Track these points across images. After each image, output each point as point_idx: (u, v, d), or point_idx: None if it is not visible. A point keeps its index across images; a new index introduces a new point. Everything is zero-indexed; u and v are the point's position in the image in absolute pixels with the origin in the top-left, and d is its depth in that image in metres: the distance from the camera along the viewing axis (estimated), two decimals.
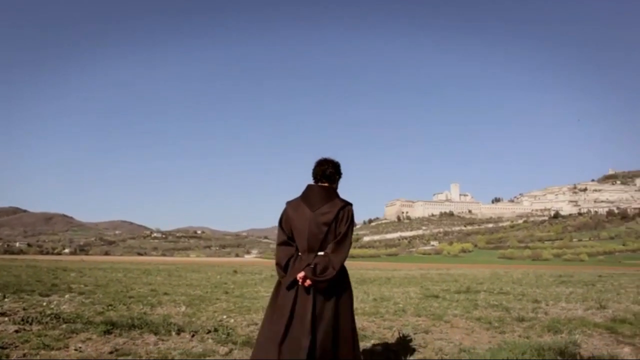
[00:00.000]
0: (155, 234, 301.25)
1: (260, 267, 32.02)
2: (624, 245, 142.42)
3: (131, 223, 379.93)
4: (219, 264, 42.39)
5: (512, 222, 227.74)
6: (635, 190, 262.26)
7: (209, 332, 4.92)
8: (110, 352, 3.95)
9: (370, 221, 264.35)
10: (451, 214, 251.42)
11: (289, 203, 2.97)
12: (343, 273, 2.84)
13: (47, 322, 5.04)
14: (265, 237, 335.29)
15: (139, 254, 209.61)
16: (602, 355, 3.99)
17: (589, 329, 5.50)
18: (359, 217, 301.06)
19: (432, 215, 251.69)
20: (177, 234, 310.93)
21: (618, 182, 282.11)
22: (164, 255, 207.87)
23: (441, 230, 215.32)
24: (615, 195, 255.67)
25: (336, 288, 2.75)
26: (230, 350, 4.14)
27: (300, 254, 2.83)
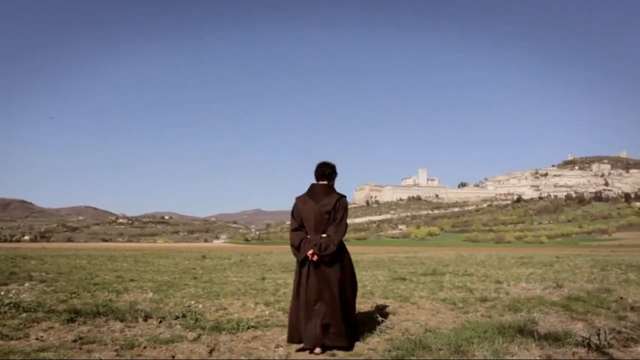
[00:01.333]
0: (120, 220, 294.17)
1: (229, 252, 31.85)
2: (580, 227, 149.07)
3: (95, 209, 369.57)
4: (187, 250, 41.91)
5: (477, 206, 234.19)
6: (592, 176, 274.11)
7: (177, 317, 4.88)
8: (74, 341, 3.86)
9: None
10: (419, 199, 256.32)
11: (297, 198, 4.01)
12: (342, 248, 3.92)
13: (5, 312, 4.87)
14: (235, 222, 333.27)
15: (104, 240, 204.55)
16: (557, 331, 4.19)
17: (547, 307, 5.76)
18: None
19: (401, 199, 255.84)
20: (144, 220, 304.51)
21: (576, 167, 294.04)
22: (130, 241, 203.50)
23: (409, 214, 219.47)
24: (573, 180, 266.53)
25: (337, 260, 3.85)
26: (199, 336, 4.12)
27: (308, 236, 3.86)
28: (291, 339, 3.82)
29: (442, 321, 4.98)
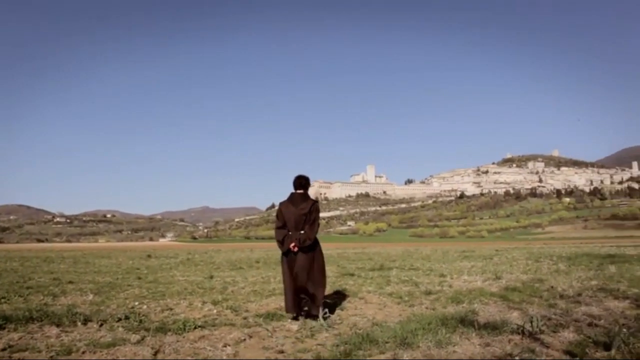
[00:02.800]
0: (58, 219, 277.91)
1: (176, 251, 30.97)
2: (517, 222, 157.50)
3: (29, 207, 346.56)
4: (131, 249, 40.32)
5: (423, 202, 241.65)
6: (528, 173, 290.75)
7: (120, 320, 4.68)
8: (3, 349, 3.60)
9: None
10: (367, 195, 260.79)
11: (281, 203, 5.18)
12: (316, 241, 5.11)
13: None
14: (181, 220, 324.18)
15: (39, 241, 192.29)
16: (495, 320, 4.42)
17: (486, 298, 6.05)
18: (278, 199, 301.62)
19: (349, 196, 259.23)
20: (84, 218, 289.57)
21: (514, 165, 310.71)
22: (68, 241, 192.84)
23: (358, 210, 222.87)
24: (511, 177, 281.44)
25: (312, 250, 5.02)
26: (143, 338, 3.98)
27: (290, 233, 5.01)
28: (287, 311, 5.02)
29: (388, 315, 5.10)
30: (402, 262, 14.27)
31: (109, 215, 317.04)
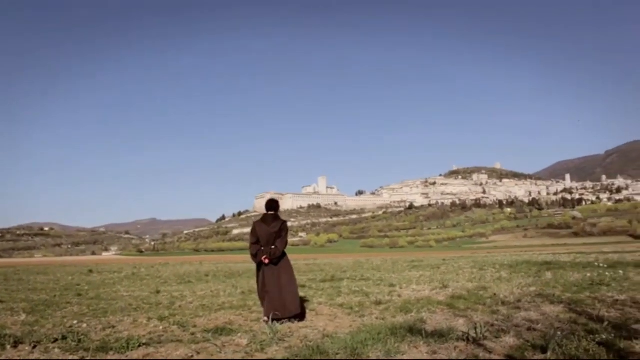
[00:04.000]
0: None
1: (120, 265, 29.62)
2: (463, 232, 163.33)
3: None
4: (72, 264, 38.16)
5: (374, 213, 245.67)
6: (473, 184, 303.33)
7: (56, 340, 4.38)
8: None
9: (239, 214, 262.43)
10: (319, 206, 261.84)
11: (255, 222, 6.00)
12: (284, 254, 5.92)
13: None
14: (127, 233, 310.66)
15: None
16: (442, 328, 4.55)
17: (434, 306, 6.21)
18: (229, 211, 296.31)
19: (301, 207, 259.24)
20: (18, 232, 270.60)
21: (460, 177, 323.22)
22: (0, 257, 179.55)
23: (309, 221, 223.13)
24: (457, 189, 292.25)
25: (282, 262, 5.86)
26: (82, 358, 3.75)
27: (262, 247, 5.82)
28: (266, 315, 5.55)
29: (339, 326, 5.12)
30: (353, 272, 14.39)
31: (46, 229, 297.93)
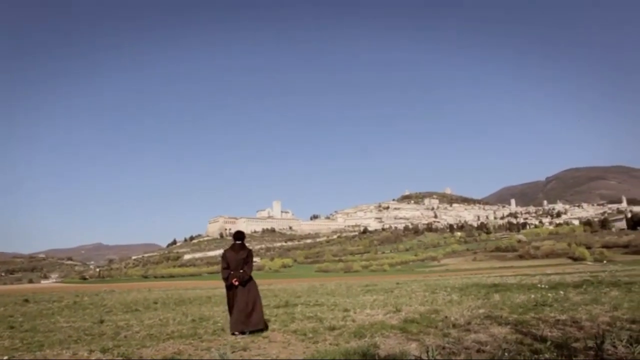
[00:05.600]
0: None
1: (61, 294, 27.81)
2: (415, 255, 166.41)
3: None
4: (5, 293, 35.44)
5: (328, 237, 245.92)
6: (424, 209, 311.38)
7: None
8: None
9: (191, 238, 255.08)
10: (273, 231, 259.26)
11: (226, 250, 7.19)
12: (251, 277, 7.05)
13: None
14: (70, 259, 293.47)
15: None
16: (395, 352, 4.57)
17: (387, 331, 6.24)
18: (180, 235, 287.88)
19: (255, 231, 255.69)
20: None
21: (412, 201, 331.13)
22: None
23: (263, 246, 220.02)
24: (410, 213, 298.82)
25: (249, 284, 6.95)
26: None
27: (232, 271, 6.90)
28: (232, 329, 6.69)
29: (292, 353, 5.03)
30: (307, 297, 14.26)
31: None
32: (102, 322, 8.95)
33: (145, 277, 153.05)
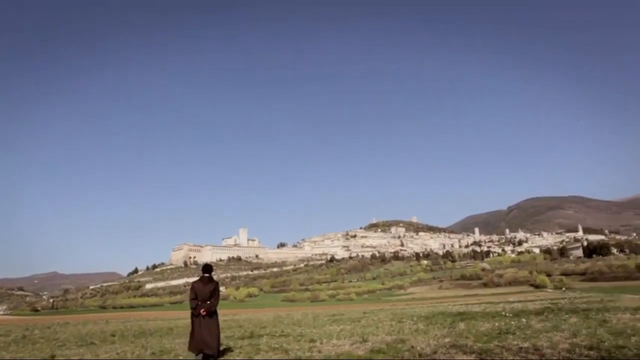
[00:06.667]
0: None
1: (9, 327, 26.12)
2: (382, 284, 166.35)
3: None
4: None
5: (295, 266, 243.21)
6: (391, 237, 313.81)
7: None
8: None
9: (154, 267, 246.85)
10: (239, 259, 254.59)
11: (194, 282, 8.08)
12: (216, 310, 7.90)
13: None
14: (21, 289, 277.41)
15: None
16: None
17: None
18: (142, 264, 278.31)
19: (220, 260, 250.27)
20: None
21: (379, 230, 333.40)
22: None
23: (228, 275, 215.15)
24: (377, 241, 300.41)
25: (214, 314, 7.76)
26: None
27: (200, 302, 7.70)
28: (190, 349, 7.60)
29: None
30: (273, 328, 13.94)
31: None
32: (53, 357, 8.44)
33: (104, 307, 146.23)
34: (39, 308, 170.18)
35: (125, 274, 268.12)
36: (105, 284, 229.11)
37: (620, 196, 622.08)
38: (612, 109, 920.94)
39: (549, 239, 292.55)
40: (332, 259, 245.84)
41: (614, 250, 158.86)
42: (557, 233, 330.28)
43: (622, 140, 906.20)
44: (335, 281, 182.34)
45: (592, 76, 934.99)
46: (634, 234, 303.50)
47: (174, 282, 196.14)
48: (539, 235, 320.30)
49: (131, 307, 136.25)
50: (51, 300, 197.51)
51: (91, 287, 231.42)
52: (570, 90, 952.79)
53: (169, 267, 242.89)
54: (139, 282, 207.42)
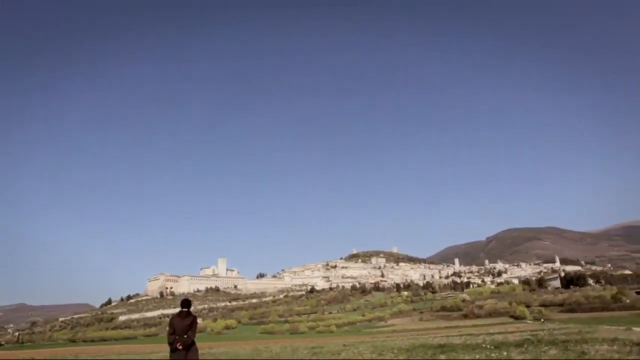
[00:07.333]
0: None
1: None
2: (363, 315, 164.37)
3: None
4: None
5: (274, 297, 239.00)
6: (372, 268, 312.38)
7: None
8: None
9: (129, 297, 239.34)
10: (217, 290, 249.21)
11: (172, 316, 8.52)
12: (194, 342, 8.22)
13: None
14: None
15: None
16: None
17: None
18: (116, 295, 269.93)
19: (198, 290, 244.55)
20: None
21: (360, 260, 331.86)
22: None
23: (206, 306, 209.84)
24: (357, 272, 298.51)
25: (192, 348, 8.19)
26: None
27: (177, 336, 8.11)
28: None
29: None
30: None
31: None
32: None
33: (73, 341, 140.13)
34: (3, 342, 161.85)
35: (98, 305, 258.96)
36: (76, 316, 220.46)
37: (594, 227, 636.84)
38: (583, 147, 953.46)
39: (528, 270, 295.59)
40: (312, 290, 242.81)
41: (591, 281, 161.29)
42: (535, 264, 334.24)
43: (594, 175, 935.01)
44: (315, 312, 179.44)
45: (567, 110, 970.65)
46: (609, 265, 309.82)
47: (149, 314, 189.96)
48: (517, 266, 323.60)
49: (103, 340, 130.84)
50: (17, 334, 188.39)
51: (61, 319, 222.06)
52: (546, 126, 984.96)
53: (144, 297, 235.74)
54: (112, 313, 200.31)
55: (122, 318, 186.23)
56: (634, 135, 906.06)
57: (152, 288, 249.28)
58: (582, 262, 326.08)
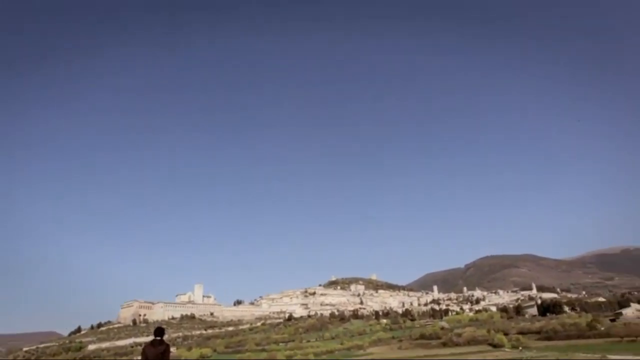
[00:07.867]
0: None
1: None
2: (341, 344, 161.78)
3: None
4: None
5: (252, 324, 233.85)
6: (351, 295, 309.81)
7: None
8: None
9: (99, 325, 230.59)
10: (193, 317, 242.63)
11: (145, 345, 12.20)
12: None
13: None
14: None
15: None
16: None
17: None
18: (87, 322, 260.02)
19: (173, 318, 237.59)
20: None
21: (339, 287, 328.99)
22: None
23: (180, 334, 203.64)
24: (336, 299, 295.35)
25: None
26: None
27: None
28: None
29: None
30: None
31: None
32: None
33: None
34: None
35: (66, 333, 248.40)
36: (42, 345, 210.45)
37: (569, 255, 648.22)
38: (555, 175, 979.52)
39: (505, 297, 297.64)
40: (291, 318, 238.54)
41: (566, 309, 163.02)
42: (512, 291, 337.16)
43: (570, 205, 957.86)
44: (293, 341, 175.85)
45: (543, 133, 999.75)
46: (584, 292, 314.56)
47: (120, 343, 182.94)
48: (495, 293, 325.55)
49: None
50: None
51: (25, 348, 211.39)
52: (521, 154, 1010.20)
53: (116, 325, 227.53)
54: (80, 342, 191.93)
55: (91, 347, 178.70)
56: (605, 165, 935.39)
57: (125, 315, 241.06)
58: (558, 290, 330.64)
